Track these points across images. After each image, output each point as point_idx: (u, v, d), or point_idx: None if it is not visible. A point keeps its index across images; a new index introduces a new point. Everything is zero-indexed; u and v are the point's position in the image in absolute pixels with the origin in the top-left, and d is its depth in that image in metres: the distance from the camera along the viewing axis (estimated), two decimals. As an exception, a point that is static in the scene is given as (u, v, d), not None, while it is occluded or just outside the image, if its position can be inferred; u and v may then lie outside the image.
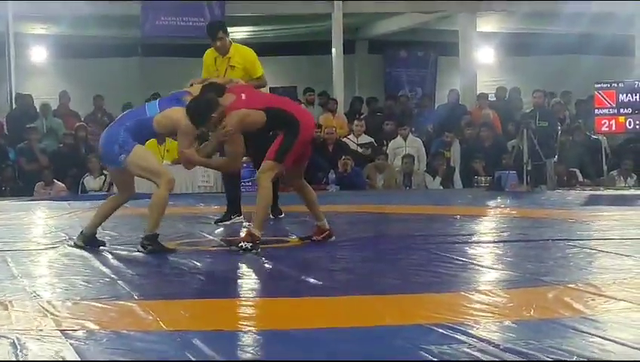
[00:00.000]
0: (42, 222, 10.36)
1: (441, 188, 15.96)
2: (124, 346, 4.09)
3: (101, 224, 7.74)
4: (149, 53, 20.87)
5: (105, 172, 14.46)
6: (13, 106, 17.25)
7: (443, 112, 18.76)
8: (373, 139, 17.02)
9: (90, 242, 7.50)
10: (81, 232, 7.61)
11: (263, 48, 21.21)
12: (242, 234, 7.79)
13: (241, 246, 7.13)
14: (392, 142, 16.71)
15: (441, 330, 4.27)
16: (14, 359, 3.86)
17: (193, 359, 3.82)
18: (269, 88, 20.30)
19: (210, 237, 8.45)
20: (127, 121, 7.41)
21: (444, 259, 6.78)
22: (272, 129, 7.75)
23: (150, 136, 7.62)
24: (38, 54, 20.26)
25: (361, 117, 18.18)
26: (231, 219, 9.64)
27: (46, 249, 7.65)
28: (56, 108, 17.33)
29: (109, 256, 7.10)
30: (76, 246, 7.49)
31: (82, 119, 17.19)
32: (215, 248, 7.71)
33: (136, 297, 5.32)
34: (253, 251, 7.06)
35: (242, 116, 7.36)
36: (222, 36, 9.70)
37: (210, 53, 9.88)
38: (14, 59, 17.75)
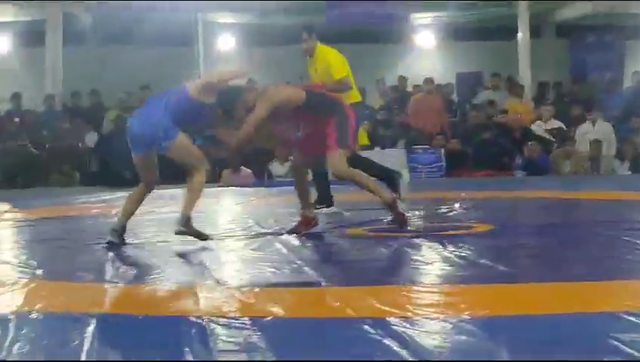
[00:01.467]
0: (229, 209, 10.60)
1: (630, 173, 15.55)
2: (312, 333, 4.16)
3: (129, 219, 7.53)
4: (330, 40, 20.98)
5: (291, 158, 14.70)
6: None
7: (630, 96, 18.27)
8: (562, 124, 16.75)
9: (120, 236, 7.32)
10: (113, 228, 7.39)
11: (448, 33, 21.34)
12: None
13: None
14: (579, 127, 16.41)
15: (632, 318, 4.17)
16: (205, 344, 3.99)
17: (395, 347, 3.85)
18: (456, 74, 20.42)
19: (394, 224, 8.49)
20: (169, 105, 7.22)
21: (632, 245, 6.61)
22: (313, 110, 7.51)
23: (192, 117, 7.28)
24: (226, 42, 20.69)
25: (548, 102, 17.94)
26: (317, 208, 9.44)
27: (234, 235, 7.84)
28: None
29: (294, 243, 7.22)
30: (111, 245, 7.25)
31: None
32: (399, 234, 7.74)
33: (323, 284, 5.40)
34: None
35: (274, 92, 7.34)
36: (305, 38, 9.65)
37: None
38: (203, 48, 18.23)
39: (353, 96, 9.44)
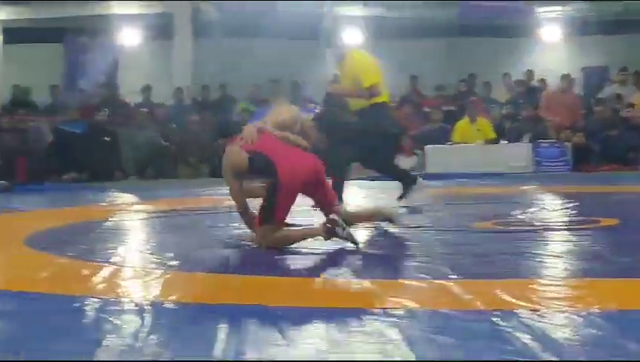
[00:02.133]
0: (356, 202, 10.66)
1: None
2: (444, 325, 4.20)
3: None
4: (463, 34, 20.93)
5: (417, 151, 14.74)
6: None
7: None
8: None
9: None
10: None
11: (574, 27, 21.03)
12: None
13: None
14: None
15: None
16: (340, 335, 4.06)
17: (526, 340, 3.86)
18: (581, 68, 20.12)
19: (521, 218, 8.47)
20: None
21: None
22: (258, 174, 7.10)
23: None
24: (353, 36, 20.73)
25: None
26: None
27: (363, 227, 7.90)
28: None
29: (423, 235, 7.25)
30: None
31: (397, 100, 17.54)
32: (526, 228, 7.72)
33: (449, 276, 5.44)
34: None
35: (224, 161, 6.99)
36: (337, 43, 9.65)
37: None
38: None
39: (382, 97, 9.56)
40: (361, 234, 7.47)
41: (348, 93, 9.23)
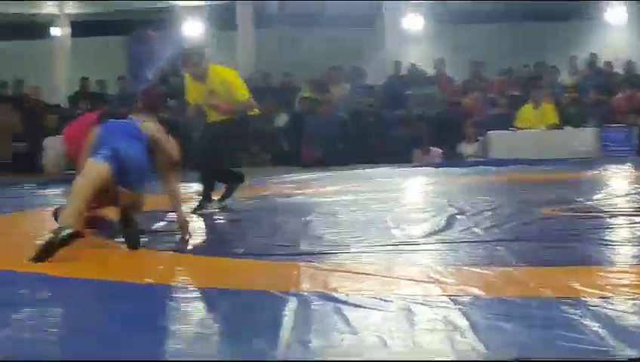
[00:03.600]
0: (420, 189, 10.66)
1: None
2: (509, 312, 4.17)
3: None
4: (527, 18, 20.69)
5: (479, 137, 14.66)
6: (389, 74, 17.85)
7: None
8: None
9: None
10: None
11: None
12: None
13: None
14: None
15: None
16: (405, 323, 4.06)
17: (595, 327, 3.83)
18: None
19: (588, 203, 8.39)
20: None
21: None
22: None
23: None
24: (413, 22, 20.67)
25: None
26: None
27: (428, 215, 7.89)
28: (432, 75, 17.69)
29: (487, 224, 7.20)
30: None
31: (458, 86, 17.46)
32: (593, 214, 7.64)
33: (514, 263, 5.40)
34: None
35: None
36: (197, 62, 8.99)
37: (188, 76, 9.27)
38: (388, 28, 18.34)
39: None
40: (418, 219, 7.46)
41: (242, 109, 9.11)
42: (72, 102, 17.01)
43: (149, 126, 6.95)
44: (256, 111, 9.52)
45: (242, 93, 9.09)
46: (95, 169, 6.38)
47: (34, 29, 19.96)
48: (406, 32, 20.21)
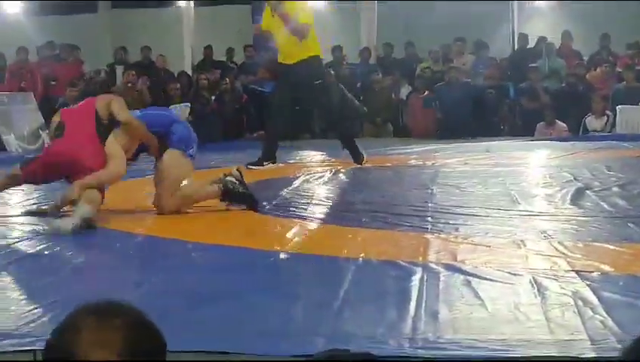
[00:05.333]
0: (545, 163, 10.51)
1: None
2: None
3: None
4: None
5: (608, 112, 14.37)
6: (515, 47, 17.62)
7: None
8: None
9: None
10: None
11: None
12: None
13: None
14: None
15: None
16: (534, 297, 4.04)
17: None
18: None
19: None
20: None
21: None
22: None
23: None
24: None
25: None
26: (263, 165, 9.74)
27: (554, 189, 7.79)
28: (558, 47, 17.37)
29: (614, 200, 7.07)
30: None
31: (584, 59, 17.12)
32: None
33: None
34: None
35: None
36: None
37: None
38: (517, 3, 18.09)
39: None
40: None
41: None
42: (197, 70, 17.23)
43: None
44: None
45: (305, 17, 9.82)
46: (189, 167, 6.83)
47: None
48: (532, 4, 19.88)
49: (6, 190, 7.10)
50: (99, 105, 6.71)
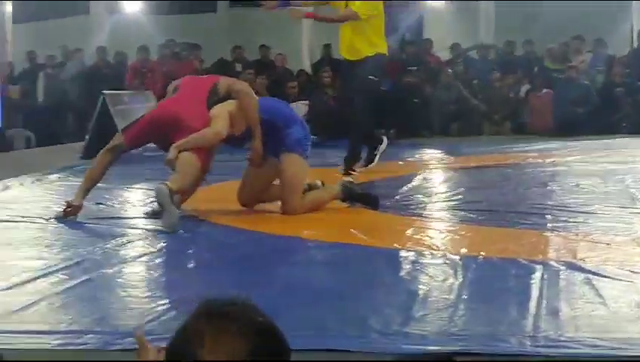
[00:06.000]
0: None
1: None
2: None
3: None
4: None
5: None
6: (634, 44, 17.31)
7: None
8: None
9: None
10: None
11: None
12: None
13: None
14: None
15: None
16: None
17: None
18: None
19: None
20: None
21: None
22: None
23: None
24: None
25: None
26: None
27: None
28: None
29: None
30: None
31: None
32: None
33: None
34: None
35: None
36: None
37: None
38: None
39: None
40: None
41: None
42: (315, 69, 17.34)
43: None
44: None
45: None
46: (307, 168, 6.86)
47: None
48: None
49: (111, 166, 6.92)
50: (221, 80, 6.87)
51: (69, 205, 6.59)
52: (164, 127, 6.60)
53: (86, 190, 6.72)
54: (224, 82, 6.86)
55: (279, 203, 6.75)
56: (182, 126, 6.49)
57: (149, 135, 6.78)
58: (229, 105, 6.65)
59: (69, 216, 6.53)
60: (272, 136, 6.67)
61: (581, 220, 6.13)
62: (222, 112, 6.58)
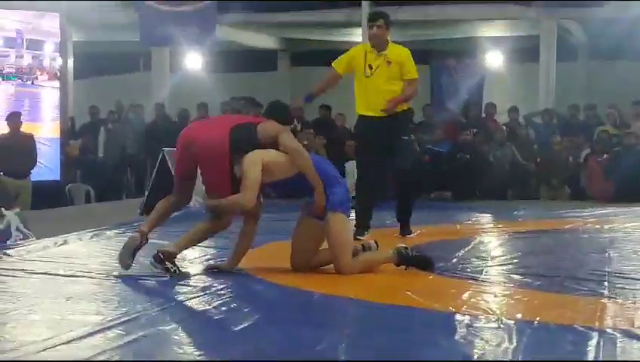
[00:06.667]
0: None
1: None
2: None
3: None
4: None
5: None
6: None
7: None
8: None
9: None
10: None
11: None
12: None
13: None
14: None
15: None
16: None
17: None
18: None
19: None
20: None
21: None
22: None
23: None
24: None
25: None
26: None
27: None
28: None
29: None
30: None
31: None
32: None
33: None
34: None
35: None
36: (381, 24, 8.85)
37: (360, 48, 9.08)
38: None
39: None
40: None
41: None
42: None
43: None
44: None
45: (413, 71, 9.03)
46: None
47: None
48: None
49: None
50: (268, 124, 6.81)
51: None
52: (184, 151, 6.79)
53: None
54: (271, 128, 6.77)
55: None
56: (193, 146, 6.69)
57: (184, 161, 6.88)
58: (268, 155, 6.64)
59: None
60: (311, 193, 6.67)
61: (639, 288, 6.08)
62: (256, 159, 6.57)
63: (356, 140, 9.74)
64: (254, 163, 6.54)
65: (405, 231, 9.25)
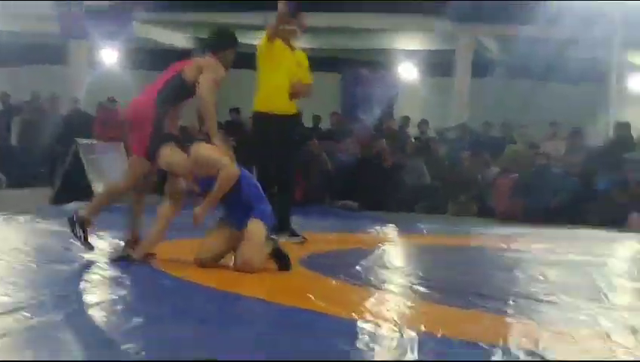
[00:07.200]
0: (635, 256, 10.23)
1: None
2: None
3: None
4: None
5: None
6: (610, 134, 17.23)
7: None
8: None
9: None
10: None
11: None
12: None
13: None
14: None
15: None
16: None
17: None
18: None
19: None
20: None
21: None
22: None
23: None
24: (638, 84, 20.10)
25: None
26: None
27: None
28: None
29: None
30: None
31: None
32: None
33: None
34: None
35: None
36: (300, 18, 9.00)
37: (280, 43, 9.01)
38: (615, 88, 17.81)
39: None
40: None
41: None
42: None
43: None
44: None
45: (310, 76, 9.25)
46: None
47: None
48: (631, 93, 19.57)
49: None
50: (187, 66, 6.97)
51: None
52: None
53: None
54: (192, 69, 6.94)
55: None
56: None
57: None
58: (211, 147, 6.86)
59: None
60: (242, 209, 6.81)
61: (543, 308, 5.96)
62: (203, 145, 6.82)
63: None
64: (206, 146, 6.82)
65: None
